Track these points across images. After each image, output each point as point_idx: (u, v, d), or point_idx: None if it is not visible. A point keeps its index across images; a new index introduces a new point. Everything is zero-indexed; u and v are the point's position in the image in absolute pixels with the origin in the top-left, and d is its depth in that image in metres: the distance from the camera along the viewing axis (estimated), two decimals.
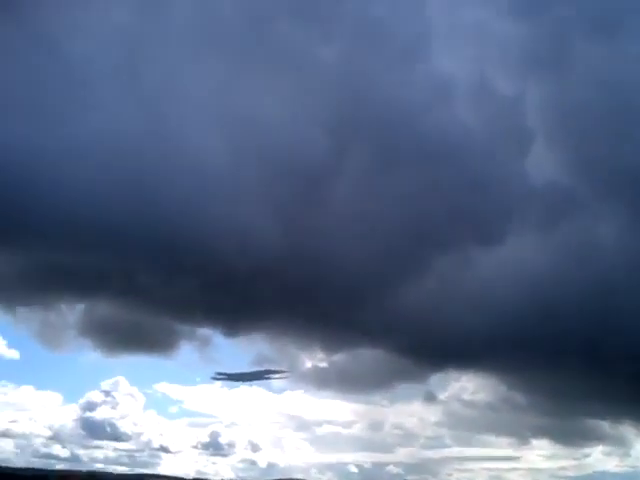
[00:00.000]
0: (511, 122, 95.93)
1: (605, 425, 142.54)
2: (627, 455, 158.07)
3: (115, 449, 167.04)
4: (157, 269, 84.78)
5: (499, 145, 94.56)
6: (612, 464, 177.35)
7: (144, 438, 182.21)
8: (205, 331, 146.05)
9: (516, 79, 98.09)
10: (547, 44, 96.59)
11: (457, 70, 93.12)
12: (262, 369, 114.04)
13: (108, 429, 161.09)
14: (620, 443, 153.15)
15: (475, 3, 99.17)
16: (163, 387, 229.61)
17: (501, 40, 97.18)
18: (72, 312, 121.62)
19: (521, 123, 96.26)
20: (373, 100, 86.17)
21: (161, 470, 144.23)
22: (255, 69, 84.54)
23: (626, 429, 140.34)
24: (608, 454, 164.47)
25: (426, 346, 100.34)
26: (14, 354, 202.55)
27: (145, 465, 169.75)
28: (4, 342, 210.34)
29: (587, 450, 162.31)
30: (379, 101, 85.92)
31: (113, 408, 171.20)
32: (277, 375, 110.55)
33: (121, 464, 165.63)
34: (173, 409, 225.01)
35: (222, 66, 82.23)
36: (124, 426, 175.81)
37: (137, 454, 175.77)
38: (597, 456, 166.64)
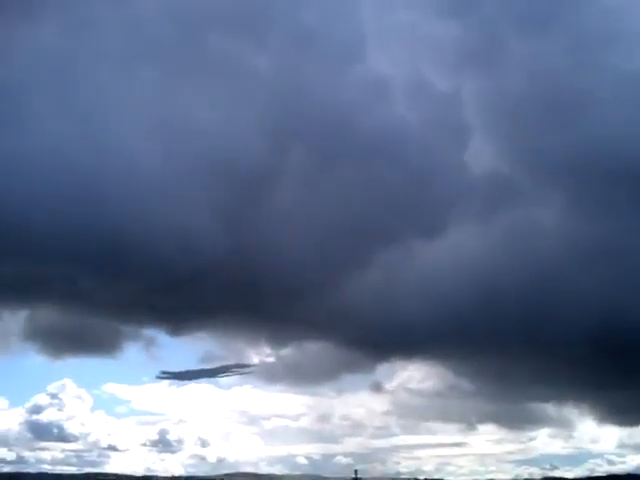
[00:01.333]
0: (449, 117, 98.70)
1: (549, 408, 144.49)
2: (571, 437, 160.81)
3: (63, 450, 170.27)
4: (98, 273, 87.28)
5: (438, 139, 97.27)
6: (557, 446, 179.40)
7: (92, 438, 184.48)
8: (150, 331, 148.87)
9: (451, 76, 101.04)
10: (478, 41, 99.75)
11: (393, 70, 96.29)
12: (215, 366, 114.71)
13: (55, 431, 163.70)
14: (564, 425, 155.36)
15: (405, 5, 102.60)
16: (110, 387, 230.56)
17: (433, 40, 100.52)
18: (15, 318, 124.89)
19: (458, 117, 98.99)
20: (311, 102, 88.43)
21: (110, 469, 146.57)
22: (189, 79, 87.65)
23: (569, 411, 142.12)
24: (553, 436, 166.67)
25: (371, 337, 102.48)
26: None
27: (93, 464, 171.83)
28: None
29: (533, 433, 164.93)
30: (317, 103, 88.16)
31: (60, 410, 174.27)
32: (235, 371, 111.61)
33: (69, 464, 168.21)
34: (121, 409, 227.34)
35: (156, 78, 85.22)
36: (71, 427, 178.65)
37: (85, 454, 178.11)
38: (543, 439, 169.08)
